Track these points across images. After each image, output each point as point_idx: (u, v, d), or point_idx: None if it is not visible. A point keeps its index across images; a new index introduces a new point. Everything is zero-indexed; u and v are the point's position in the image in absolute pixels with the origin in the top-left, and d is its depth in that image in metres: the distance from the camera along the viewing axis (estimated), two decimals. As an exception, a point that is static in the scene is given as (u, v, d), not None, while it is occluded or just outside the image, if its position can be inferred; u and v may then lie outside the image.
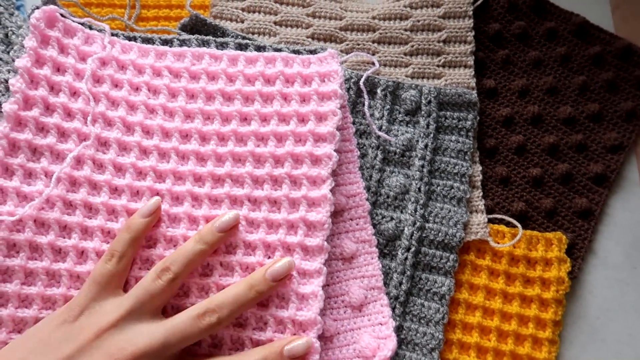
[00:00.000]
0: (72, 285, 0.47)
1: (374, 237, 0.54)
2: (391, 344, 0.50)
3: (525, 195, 0.61)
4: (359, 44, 0.63)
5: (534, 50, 0.66)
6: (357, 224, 0.54)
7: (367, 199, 0.55)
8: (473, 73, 0.63)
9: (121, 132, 0.51)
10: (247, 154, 0.52)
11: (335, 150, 0.51)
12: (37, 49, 0.50)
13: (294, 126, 0.52)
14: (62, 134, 0.50)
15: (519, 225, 0.58)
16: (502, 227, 0.59)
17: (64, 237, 0.48)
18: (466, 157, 0.59)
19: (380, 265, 0.54)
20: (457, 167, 0.59)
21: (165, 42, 0.56)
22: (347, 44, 0.63)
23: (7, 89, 0.52)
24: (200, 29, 0.60)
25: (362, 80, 0.59)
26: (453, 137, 0.60)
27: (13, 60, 0.57)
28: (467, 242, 0.58)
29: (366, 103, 0.58)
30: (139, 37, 0.56)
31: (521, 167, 0.62)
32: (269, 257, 0.49)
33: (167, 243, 0.49)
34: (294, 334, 0.47)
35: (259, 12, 0.63)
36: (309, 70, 0.54)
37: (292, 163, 0.51)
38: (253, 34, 0.62)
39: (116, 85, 0.53)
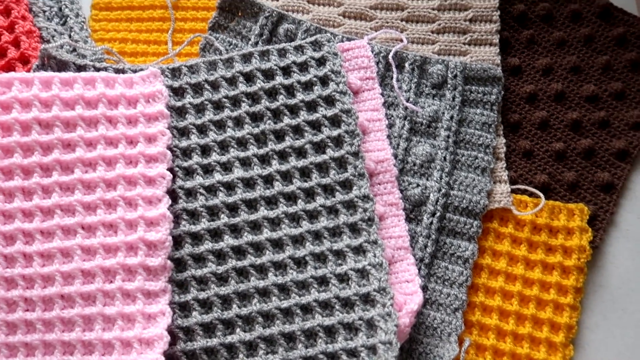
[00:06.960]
0: None
1: (401, 200, 0.57)
2: (418, 298, 0.52)
3: (548, 168, 0.63)
4: (387, 22, 0.66)
5: (558, 30, 0.68)
6: (384, 188, 0.57)
7: (395, 165, 0.58)
8: (498, 51, 0.66)
9: None
10: (75, 181, 0.51)
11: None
12: None
13: (124, 149, 0.52)
14: None
15: (541, 195, 0.60)
16: (525, 198, 0.60)
17: None
18: (490, 130, 0.62)
19: (407, 227, 0.56)
20: (481, 138, 0.61)
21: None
22: (377, 22, 0.66)
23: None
24: (238, 5, 0.63)
25: (391, 54, 0.61)
26: (478, 110, 0.62)
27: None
28: (490, 211, 0.60)
29: (394, 76, 0.61)
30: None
31: (544, 141, 0.64)
32: (111, 282, 0.49)
33: (6, 283, 0.49)
34: (141, 353, 0.47)
35: (293, -10, 0.67)
36: (133, 91, 0.55)
37: (125, 185, 0.51)
38: (288, 11, 0.66)
39: None
